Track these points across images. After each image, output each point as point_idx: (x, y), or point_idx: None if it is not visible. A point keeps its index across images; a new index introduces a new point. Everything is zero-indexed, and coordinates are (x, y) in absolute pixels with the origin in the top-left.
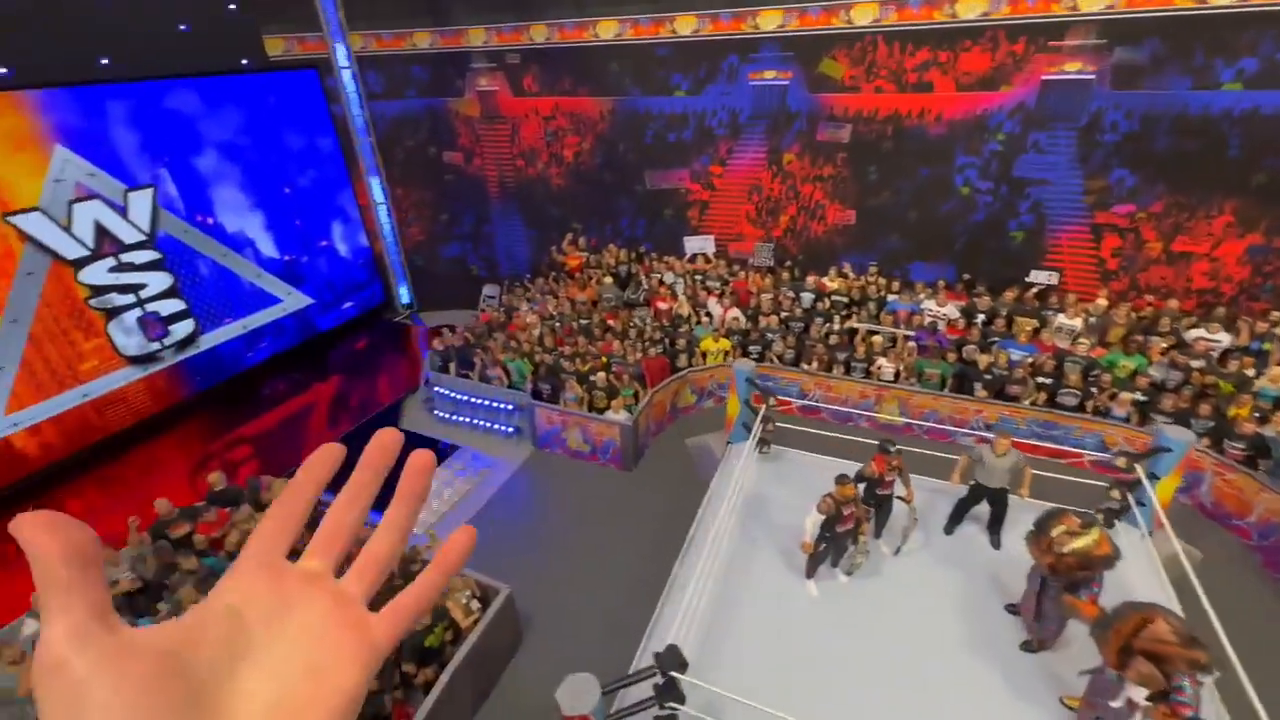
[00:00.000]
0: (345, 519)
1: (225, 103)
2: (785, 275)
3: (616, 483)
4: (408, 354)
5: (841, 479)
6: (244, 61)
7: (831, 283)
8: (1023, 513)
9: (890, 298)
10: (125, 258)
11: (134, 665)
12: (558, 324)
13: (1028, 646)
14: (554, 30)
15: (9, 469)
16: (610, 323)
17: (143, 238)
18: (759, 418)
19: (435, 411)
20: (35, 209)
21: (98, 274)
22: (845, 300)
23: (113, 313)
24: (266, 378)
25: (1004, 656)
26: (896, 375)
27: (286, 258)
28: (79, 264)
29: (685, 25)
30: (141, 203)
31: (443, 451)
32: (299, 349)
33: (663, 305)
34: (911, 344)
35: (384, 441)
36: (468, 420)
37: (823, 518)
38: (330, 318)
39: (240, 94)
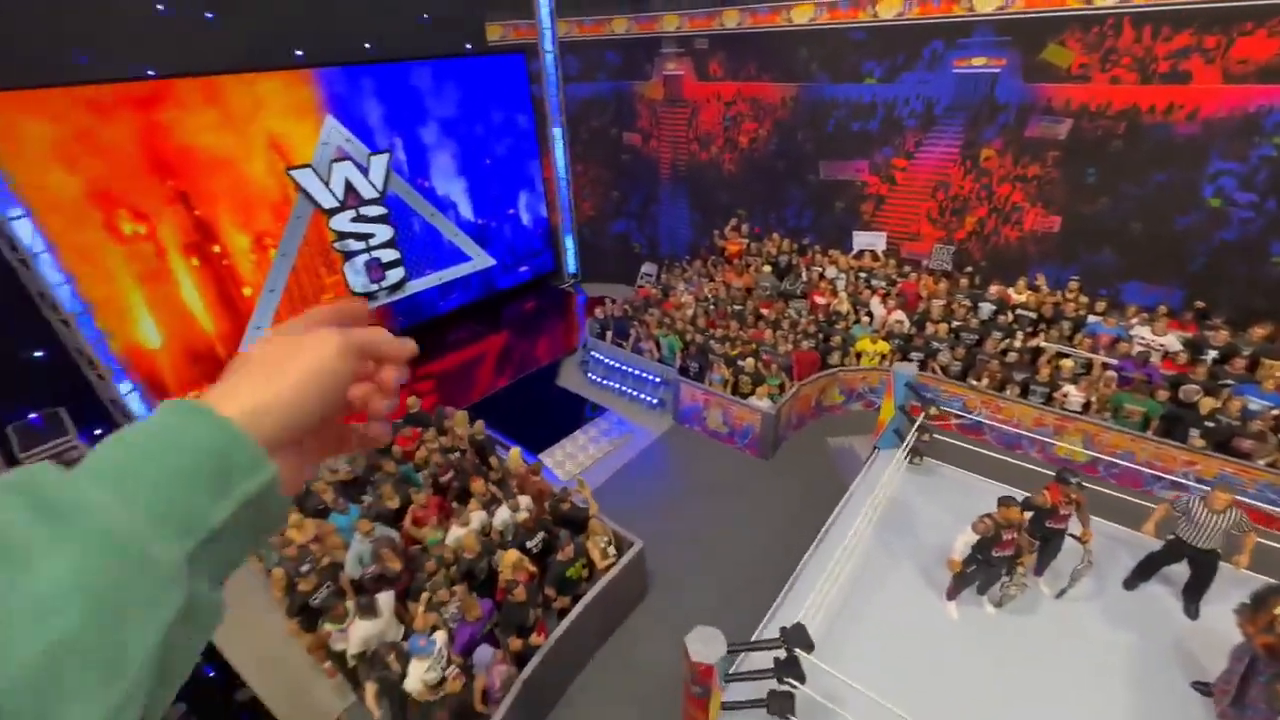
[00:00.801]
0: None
1: (448, 82)
2: (963, 282)
3: (751, 468)
4: (567, 319)
5: (1006, 501)
6: (467, 46)
7: (1019, 294)
8: (1232, 585)
9: (1091, 318)
10: (363, 211)
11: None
12: (712, 306)
13: None
14: (746, 15)
15: None
16: (764, 311)
17: (376, 195)
18: (915, 426)
19: (589, 374)
20: (308, 166)
21: (342, 222)
22: (1033, 315)
23: (348, 255)
24: (451, 325)
25: None
26: (1086, 406)
27: (479, 221)
28: (331, 213)
29: (889, 8)
30: (379, 165)
31: (589, 414)
32: (479, 304)
33: (821, 299)
34: (1111, 374)
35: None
36: (617, 386)
37: (977, 538)
38: (508, 279)
39: (460, 75)
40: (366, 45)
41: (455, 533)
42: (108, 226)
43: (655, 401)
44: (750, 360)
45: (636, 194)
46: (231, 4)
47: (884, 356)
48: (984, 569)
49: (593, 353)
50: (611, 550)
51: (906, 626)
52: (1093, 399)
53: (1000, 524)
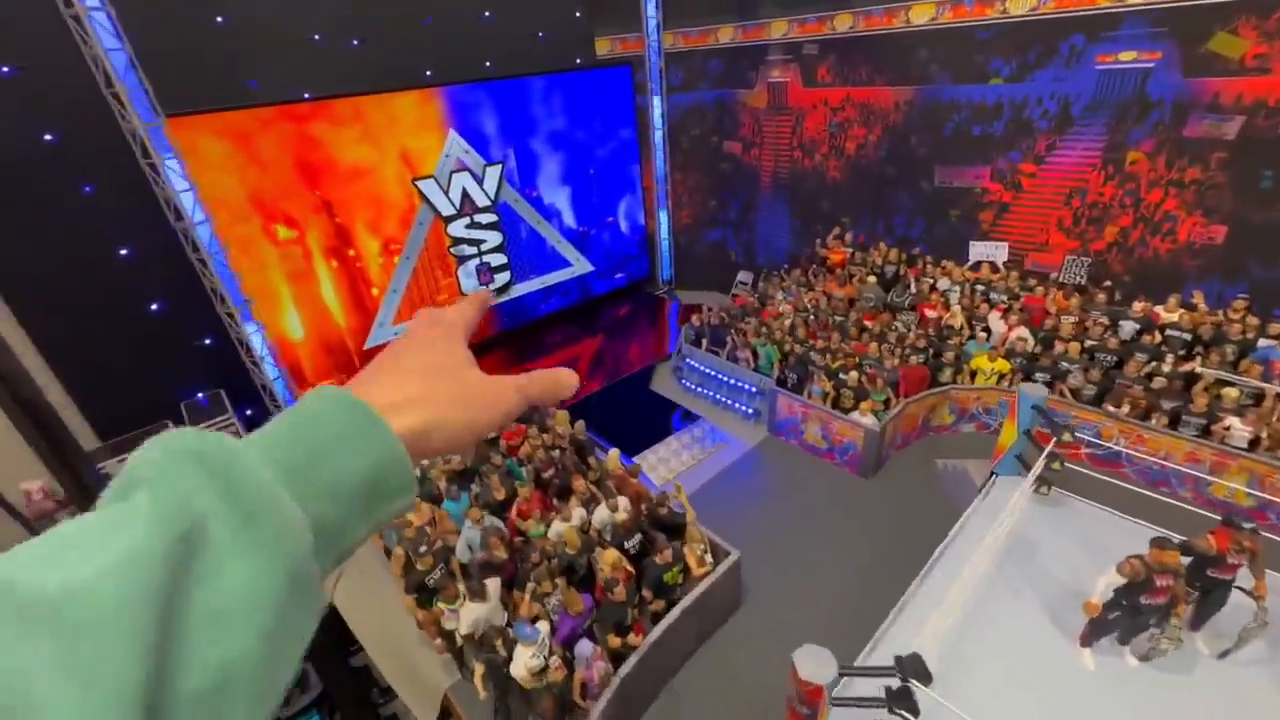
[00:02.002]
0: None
1: (558, 95)
2: (1100, 297)
3: (850, 486)
4: (660, 325)
5: (1161, 543)
6: (577, 60)
7: (1169, 313)
8: None
9: (1262, 343)
10: (476, 218)
11: (466, 372)
12: (811, 317)
13: None
14: (859, 18)
15: None
16: (868, 323)
17: (489, 203)
18: (1044, 454)
19: (683, 381)
20: (430, 177)
21: (458, 228)
22: (1187, 337)
23: (461, 260)
24: (549, 328)
25: None
26: (1254, 443)
27: (581, 228)
28: (449, 220)
29: (1021, 4)
30: (493, 175)
31: (682, 421)
32: (576, 308)
33: (931, 313)
34: None
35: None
36: (710, 394)
37: (1123, 582)
38: (604, 284)
39: (570, 88)
40: (487, 64)
41: (557, 527)
42: (266, 231)
43: (750, 411)
44: (854, 374)
45: (735, 202)
46: (373, 30)
47: (1003, 376)
48: (1128, 616)
49: (687, 359)
50: (709, 558)
51: (1031, 668)
52: (1263, 434)
53: (1152, 568)
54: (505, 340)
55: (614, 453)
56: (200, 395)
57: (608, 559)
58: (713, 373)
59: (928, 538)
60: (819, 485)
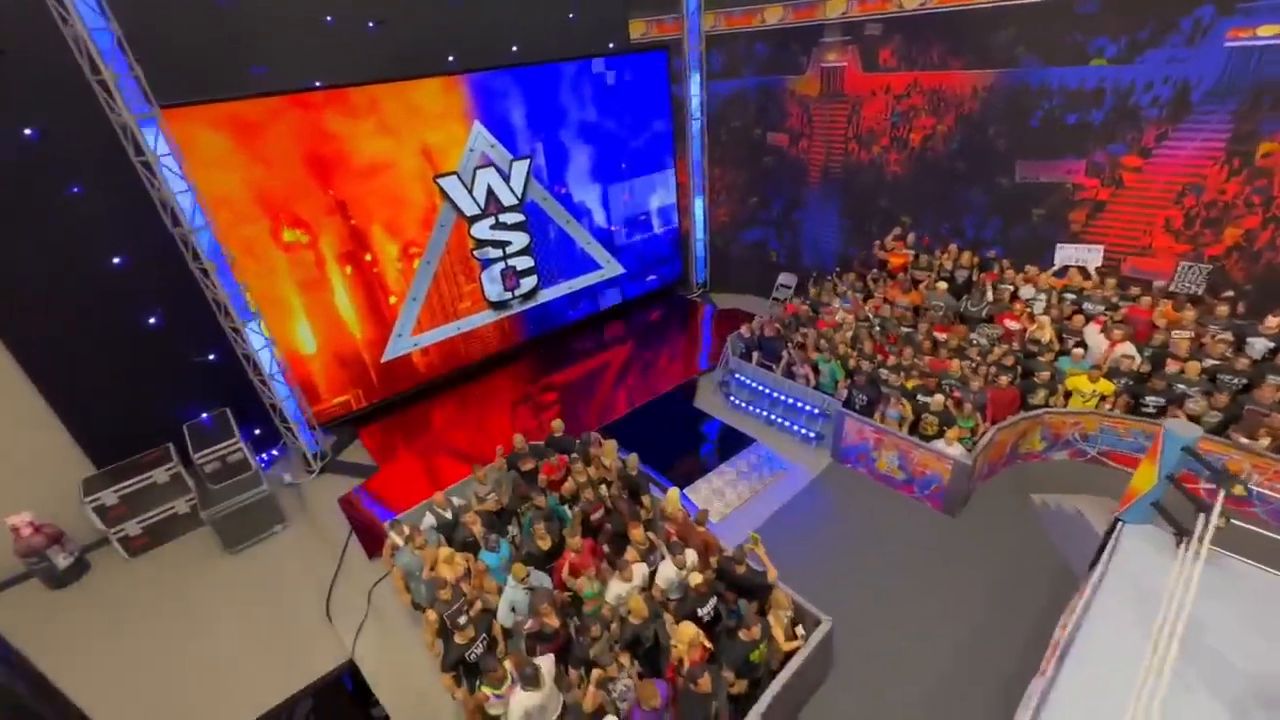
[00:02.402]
0: None
1: (589, 83)
2: (1221, 309)
3: (935, 525)
4: (697, 332)
5: None
6: (610, 45)
7: None
8: None
9: None
10: (502, 218)
11: None
12: (877, 328)
13: None
14: None
15: (409, 377)
16: (939, 335)
17: (515, 201)
18: (1215, 512)
19: (731, 398)
20: (453, 173)
21: (482, 230)
22: None
23: (486, 264)
24: (577, 335)
25: None
26: None
27: (612, 228)
28: (472, 220)
29: None
30: (520, 171)
31: (728, 447)
32: (605, 313)
33: (1013, 324)
34: None
35: None
36: (763, 413)
37: None
38: (635, 287)
39: (601, 75)
40: (514, 48)
41: (616, 589)
42: (274, 235)
43: (812, 435)
44: (938, 397)
45: (778, 199)
46: (390, 13)
47: (1104, 398)
48: None
49: (735, 374)
50: (800, 630)
51: None
52: None
53: None
54: (531, 349)
55: (673, 493)
56: (205, 416)
57: (683, 636)
58: (766, 389)
59: (1036, 593)
60: (900, 524)
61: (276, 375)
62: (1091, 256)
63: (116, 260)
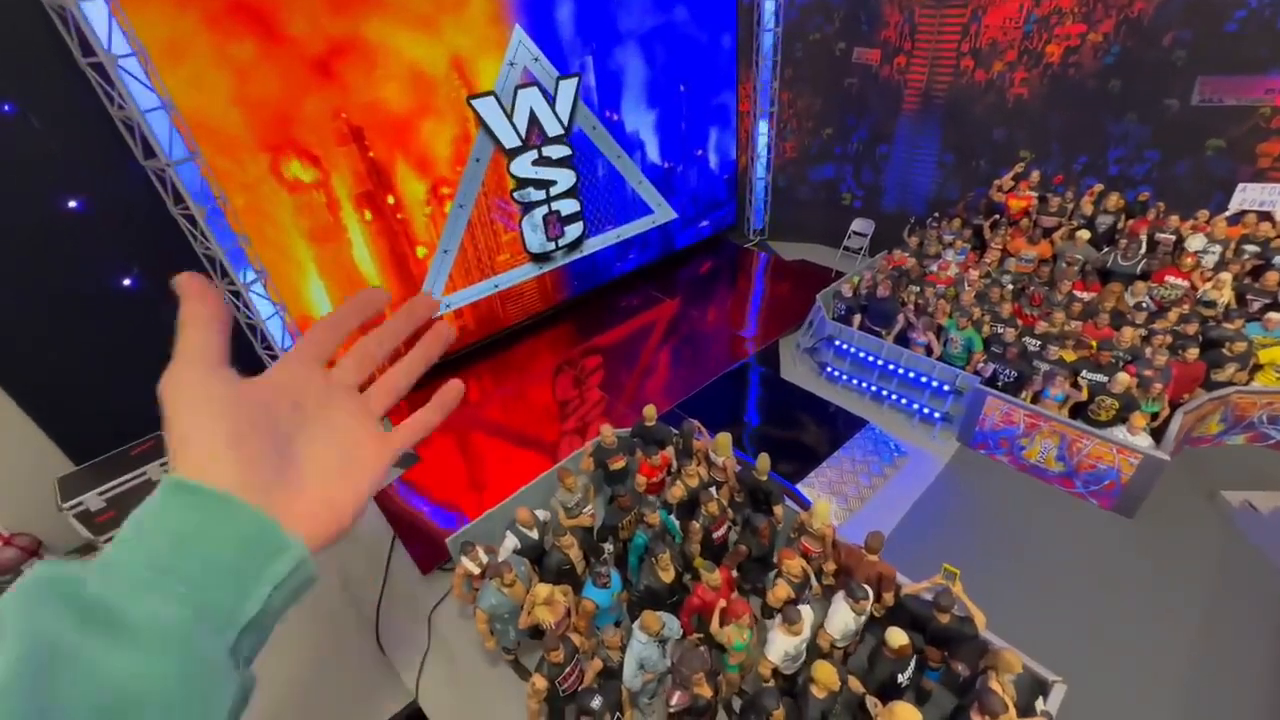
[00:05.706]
0: (373, 349)
1: None
2: None
3: (1110, 529)
4: (756, 289)
5: None
6: None
7: None
8: None
9: None
10: (545, 151)
11: (250, 392)
12: (1009, 286)
13: None
14: None
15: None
16: (1078, 294)
17: (561, 131)
18: None
19: (829, 368)
20: (491, 93)
21: (523, 166)
22: None
23: (527, 207)
24: (624, 291)
25: None
26: None
27: (666, 165)
28: (513, 154)
29: None
30: (566, 92)
31: (839, 431)
32: (654, 265)
33: (1178, 281)
34: None
35: (415, 306)
36: (869, 388)
37: None
38: (687, 235)
39: None
40: None
41: (782, 644)
42: (274, 172)
43: (938, 416)
44: (1123, 376)
45: (860, 130)
46: None
47: None
48: None
49: (836, 340)
50: (1042, 706)
51: None
52: None
53: None
54: (573, 308)
55: (824, 507)
56: None
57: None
58: (876, 360)
59: (1242, 620)
60: (1070, 529)
61: (289, 347)
62: None
63: (73, 204)
